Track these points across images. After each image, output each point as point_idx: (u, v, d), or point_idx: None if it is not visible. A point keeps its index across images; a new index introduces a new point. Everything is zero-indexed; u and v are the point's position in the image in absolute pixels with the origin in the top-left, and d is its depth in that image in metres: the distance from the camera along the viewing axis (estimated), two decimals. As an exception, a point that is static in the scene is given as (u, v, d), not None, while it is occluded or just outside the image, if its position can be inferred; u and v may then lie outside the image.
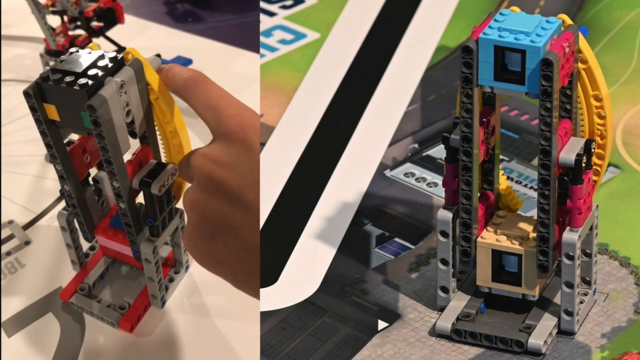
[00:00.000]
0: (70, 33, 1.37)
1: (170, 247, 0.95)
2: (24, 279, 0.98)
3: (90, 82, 0.78)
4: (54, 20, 1.35)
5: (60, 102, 0.80)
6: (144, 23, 1.51)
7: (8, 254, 1.02)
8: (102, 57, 0.81)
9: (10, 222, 1.08)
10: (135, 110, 0.81)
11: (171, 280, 0.94)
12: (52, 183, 1.14)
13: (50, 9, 1.34)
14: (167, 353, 0.88)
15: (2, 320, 0.92)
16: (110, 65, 0.80)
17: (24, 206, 1.10)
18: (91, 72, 0.79)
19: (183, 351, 0.88)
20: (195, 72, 0.78)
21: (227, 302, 0.95)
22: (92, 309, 0.91)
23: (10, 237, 1.05)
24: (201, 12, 1.61)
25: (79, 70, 0.79)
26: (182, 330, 0.90)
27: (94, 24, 1.35)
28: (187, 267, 0.96)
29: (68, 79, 0.78)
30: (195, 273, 0.96)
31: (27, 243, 1.04)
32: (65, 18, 1.36)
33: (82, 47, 1.37)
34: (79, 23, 1.35)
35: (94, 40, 1.37)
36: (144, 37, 1.41)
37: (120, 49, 1.39)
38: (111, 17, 1.35)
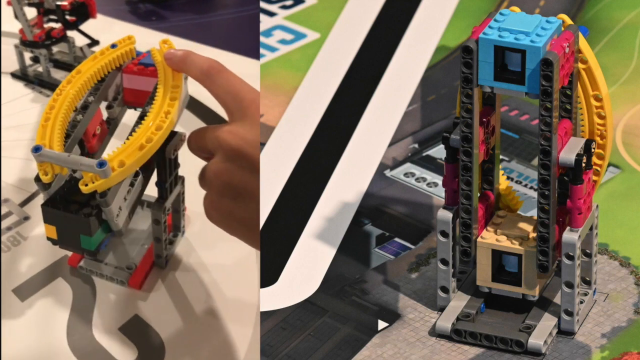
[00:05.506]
0: (45, 26, 1.39)
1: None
2: (28, 250, 1.02)
3: (93, 212, 0.85)
4: (29, 13, 1.36)
5: (61, 225, 0.87)
6: (110, 20, 1.54)
7: (9, 228, 1.05)
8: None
9: (6, 200, 1.09)
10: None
11: (171, 242, 1.00)
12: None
13: (26, 1, 1.36)
14: (176, 307, 0.95)
15: (14, 287, 0.97)
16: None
17: (17, 186, 1.12)
18: (93, 201, 0.85)
19: (190, 306, 0.95)
20: (214, 61, 0.85)
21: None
22: (101, 270, 0.97)
23: (9, 213, 1.07)
24: (163, 12, 1.67)
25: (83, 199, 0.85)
26: (186, 287, 0.97)
27: (67, 17, 1.38)
28: (183, 232, 1.02)
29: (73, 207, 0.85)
30: (190, 237, 1.03)
31: (26, 218, 1.07)
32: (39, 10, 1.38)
33: (59, 39, 1.39)
34: (52, 17, 1.38)
35: (68, 33, 1.39)
36: (111, 33, 1.45)
37: (93, 42, 1.42)
38: (84, 12, 1.39)
